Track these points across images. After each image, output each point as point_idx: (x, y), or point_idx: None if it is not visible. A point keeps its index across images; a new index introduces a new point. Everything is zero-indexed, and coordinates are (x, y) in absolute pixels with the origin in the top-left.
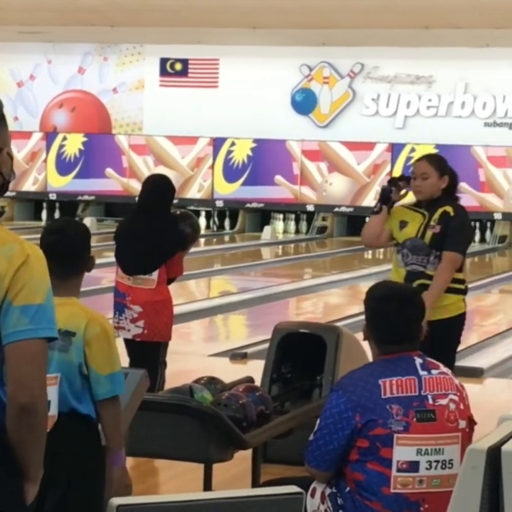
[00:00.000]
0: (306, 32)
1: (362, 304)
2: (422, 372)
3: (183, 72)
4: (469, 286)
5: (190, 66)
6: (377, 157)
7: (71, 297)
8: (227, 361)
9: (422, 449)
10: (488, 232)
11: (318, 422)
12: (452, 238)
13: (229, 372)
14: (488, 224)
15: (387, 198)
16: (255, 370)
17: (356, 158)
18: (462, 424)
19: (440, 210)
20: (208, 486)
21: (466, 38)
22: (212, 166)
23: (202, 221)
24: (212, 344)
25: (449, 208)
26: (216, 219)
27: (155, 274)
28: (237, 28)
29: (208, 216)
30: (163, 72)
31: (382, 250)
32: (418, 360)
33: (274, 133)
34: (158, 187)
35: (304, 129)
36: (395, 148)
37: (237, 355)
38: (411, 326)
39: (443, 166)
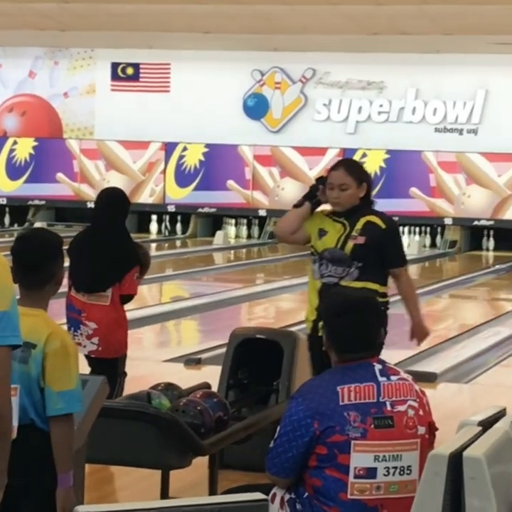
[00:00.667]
0: (257, 37)
1: None
2: (381, 379)
3: (135, 77)
4: (420, 291)
5: (141, 70)
6: (329, 162)
7: (37, 308)
8: (182, 367)
9: (379, 456)
10: (438, 237)
11: (278, 429)
12: (397, 254)
13: (184, 377)
14: (439, 229)
15: (312, 195)
16: (210, 375)
17: (308, 164)
18: (421, 430)
19: (363, 220)
20: (165, 493)
21: (417, 44)
22: (163, 171)
23: (153, 226)
24: (166, 350)
25: (374, 219)
26: (168, 224)
27: (109, 291)
28: (188, 33)
29: (160, 221)
30: (115, 76)
31: None
32: (377, 366)
33: (226, 138)
34: (113, 201)
35: (255, 134)
36: (347, 154)
37: (192, 361)
38: (370, 334)
39: (361, 174)
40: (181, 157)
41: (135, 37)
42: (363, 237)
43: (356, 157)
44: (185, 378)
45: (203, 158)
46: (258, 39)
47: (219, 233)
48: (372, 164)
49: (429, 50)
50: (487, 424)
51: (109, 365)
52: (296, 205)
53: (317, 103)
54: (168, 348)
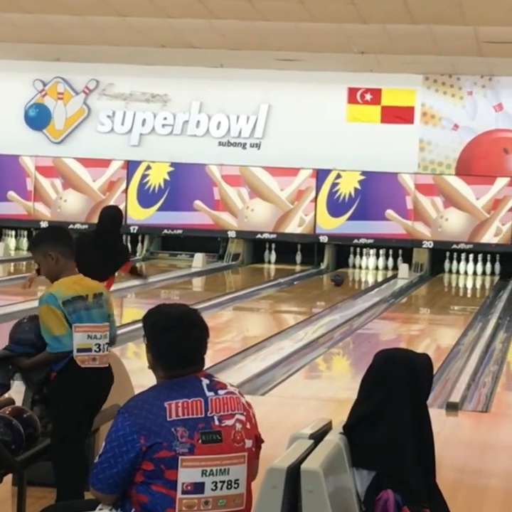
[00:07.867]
0: (40, 47)
1: None
2: (208, 393)
3: None
4: (205, 304)
5: None
6: (113, 174)
7: None
8: None
9: (207, 470)
10: (221, 250)
11: (103, 444)
12: None
13: None
14: (222, 242)
15: None
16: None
17: (91, 175)
18: (248, 443)
19: None
20: None
21: (202, 57)
22: None
23: None
24: None
25: None
26: None
27: None
28: None
29: None
30: None
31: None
32: (205, 381)
33: (8, 148)
34: None
35: (37, 144)
36: (131, 166)
37: None
38: (197, 348)
39: None
40: None
41: None
42: None
43: (140, 169)
44: None
45: None
46: (40, 48)
47: None
48: (157, 177)
49: (213, 64)
50: (318, 437)
51: None
52: None
53: (101, 114)
54: None
